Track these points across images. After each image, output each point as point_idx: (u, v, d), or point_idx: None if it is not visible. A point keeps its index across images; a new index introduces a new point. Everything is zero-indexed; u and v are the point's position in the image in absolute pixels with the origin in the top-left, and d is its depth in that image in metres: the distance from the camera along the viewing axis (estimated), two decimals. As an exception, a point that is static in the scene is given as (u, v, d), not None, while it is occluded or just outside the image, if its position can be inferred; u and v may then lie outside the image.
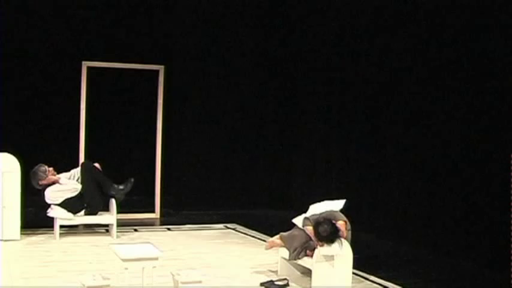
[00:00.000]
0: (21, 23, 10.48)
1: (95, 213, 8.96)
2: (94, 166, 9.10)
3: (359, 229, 7.45)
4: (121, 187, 9.03)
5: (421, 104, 8.91)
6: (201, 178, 11.44)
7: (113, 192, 9.01)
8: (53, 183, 8.86)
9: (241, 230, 9.86)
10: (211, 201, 11.34)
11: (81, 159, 9.92)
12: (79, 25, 10.76)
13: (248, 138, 11.67)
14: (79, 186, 8.89)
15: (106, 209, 9.08)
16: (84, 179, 8.95)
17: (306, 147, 11.38)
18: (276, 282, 6.94)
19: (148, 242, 6.88)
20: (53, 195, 8.79)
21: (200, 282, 6.11)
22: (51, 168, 8.92)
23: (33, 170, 8.82)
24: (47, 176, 8.85)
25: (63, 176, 9.00)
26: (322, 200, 7.32)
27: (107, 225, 9.24)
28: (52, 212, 8.80)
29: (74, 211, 8.82)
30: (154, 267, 6.12)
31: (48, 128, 10.72)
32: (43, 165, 8.87)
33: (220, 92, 11.48)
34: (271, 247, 7.47)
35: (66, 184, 8.85)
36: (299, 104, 11.49)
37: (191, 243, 8.95)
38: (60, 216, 8.77)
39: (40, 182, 8.84)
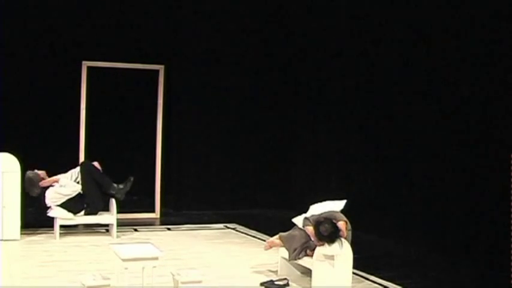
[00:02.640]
0: (22, 23, 10.47)
1: (95, 213, 8.96)
2: (93, 166, 9.09)
3: (359, 229, 7.45)
4: (121, 186, 9.02)
5: (421, 104, 8.91)
6: (201, 178, 11.43)
7: (113, 192, 9.00)
8: (52, 184, 8.86)
9: (241, 230, 9.86)
10: (211, 201, 11.34)
11: (81, 159, 9.91)
12: (79, 25, 10.75)
13: (248, 138, 11.66)
14: (78, 188, 8.88)
15: (106, 209, 9.08)
16: (84, 179, 8.94)
17: (306, 147, 11.37)
18: (276, 282, 6.95)
19: (149, 242, 6.88)
20: (54, 196, 8.79)
21: (200, 282, 6.12)
22: (41, 172, 8.91)
23: (26, 178, 8.78)
24: (41, 178, 8.85)
25: (62, 177, 8.99)
26: (323, 200, 7.32)
27: (107, 225, 9.24)
28: (52, 212, 8.80)
29: (75, 211, 8.82)
30: (154, 267, 6.12)
31: (48, 128, 10.71)
32: (30, 171, 8.87)
33: (220, 91, 11.47)
34: (271, 247, 7.48)
35: (65, 186, 8.83)
36: (299, 103, 11.48)
37: (191, 243, 8.95)
38: (61, 216, 8.77)
39: (40, 184, 8.83)
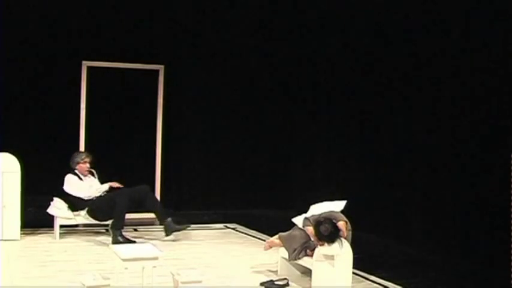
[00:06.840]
0: (21, 23, 10.47)
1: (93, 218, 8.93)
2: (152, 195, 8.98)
3: (359, 229, 7.45)
4: (177, 226, 8.83)
5: (421, 103, 8.91)
6: (201, 178, 11.43)
7: (166, 224, 8.81)
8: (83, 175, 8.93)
9: (241, 230, 9.86)
10: (211, 201, 11.34)
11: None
12: (79, 25, 10.74)
13: (248, 137, 11.66)
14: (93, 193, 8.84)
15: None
16: (120, 191, 8.84)
17: (306, 147, 11.37)
18: (276, 282, 6.95)
19: (148, 242, 6.88)
20: (69, 188, 8.79)
21: (200, 282, 6.12)
22: (87, 160, 8.95)
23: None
24: (82, 163, 8.92)
25: (95, 182, 9.02)
26: (323, 200, 7.32)
27: (107, 225, 9.23)
28: (52, 209, 8.79)
29: (77, 208, 8.78)
30: (154, 267, 6.13)
31: (48, 128, 10.70)
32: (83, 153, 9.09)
33: (220, 91, 11.47)
34: (270, 247, 7.48)
35: (83, 189, 8.83)
36: (299, 103, 11.48)
37: (191, 243, 8.95)
38: (60, 214, 8.76)
39: (76, 166, 8.90)
